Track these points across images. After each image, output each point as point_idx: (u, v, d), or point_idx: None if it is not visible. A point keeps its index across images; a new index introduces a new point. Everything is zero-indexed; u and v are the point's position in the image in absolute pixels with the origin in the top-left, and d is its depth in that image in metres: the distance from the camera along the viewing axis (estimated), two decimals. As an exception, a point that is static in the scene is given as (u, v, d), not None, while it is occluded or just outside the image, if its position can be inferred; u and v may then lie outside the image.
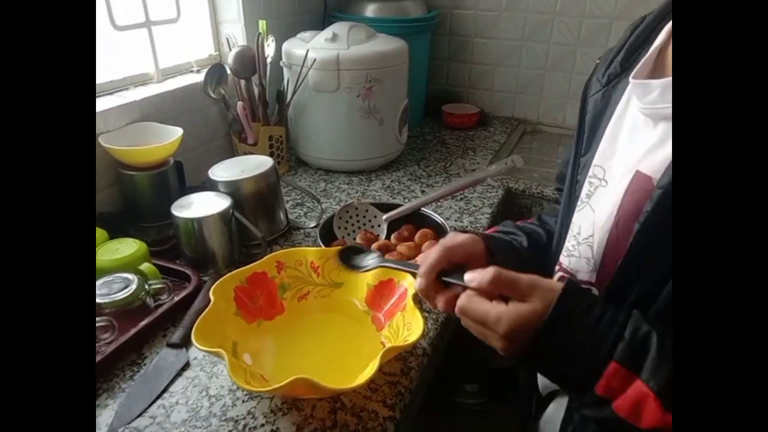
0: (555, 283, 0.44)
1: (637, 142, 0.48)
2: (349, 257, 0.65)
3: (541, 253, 0.62)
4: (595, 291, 0.51)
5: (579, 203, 0.54)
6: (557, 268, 0.57)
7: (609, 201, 0.49)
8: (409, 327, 0.60)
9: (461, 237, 0.54)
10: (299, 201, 1.05)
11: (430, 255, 0.50)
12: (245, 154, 1.11)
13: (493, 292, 0.44)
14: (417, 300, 0.72)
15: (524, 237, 0.64)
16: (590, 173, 0.53)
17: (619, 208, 0.48)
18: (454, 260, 0.51)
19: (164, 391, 0.60)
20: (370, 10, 1.32)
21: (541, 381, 0.63)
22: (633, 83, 0.48)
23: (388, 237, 0.88)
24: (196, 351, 0.65)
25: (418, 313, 0.60)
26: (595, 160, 0.53)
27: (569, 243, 0.55)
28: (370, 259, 0.63)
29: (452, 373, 1.31)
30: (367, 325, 0.68)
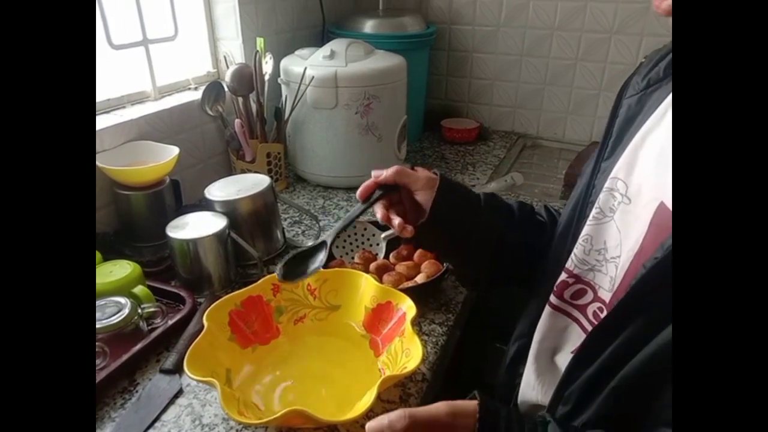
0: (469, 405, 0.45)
1: (666, 166, 0.44)
2: (295, 268, 0.58)
3: (532, 227, 0.66)
4: (603, 315, 0.49)
5: (598, 213, 0.52)
6: (569, 279, 0.54)
7: (635, 226, 0.47)
8: (407, 353, 0.58)
9: (421, 170, 0.63)
10: (297, 219, 1.04)
11: (384, 171, 0.63)
12: (243, 171, 1.10)
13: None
14: (415, 324, 0.71)
15: (516, 207, 0.67)
16: (609, 184, 0.51)
17: (644, 238, 0.46)
18: (402, 182, 0.63)
19: (156, 420, 0.58)
20: (368, 27, 1.32)
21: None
22: None
23: (386, 256, 0.87)
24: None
25: (416, 339, 0.59)
26: (616, 172, 0.50)
27: (590, 256, 0.52)
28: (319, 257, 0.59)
29: (453, 391, 1.28)
30: (365, 349, 0.66)
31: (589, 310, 0.52)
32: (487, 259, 0.64)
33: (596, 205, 0.52)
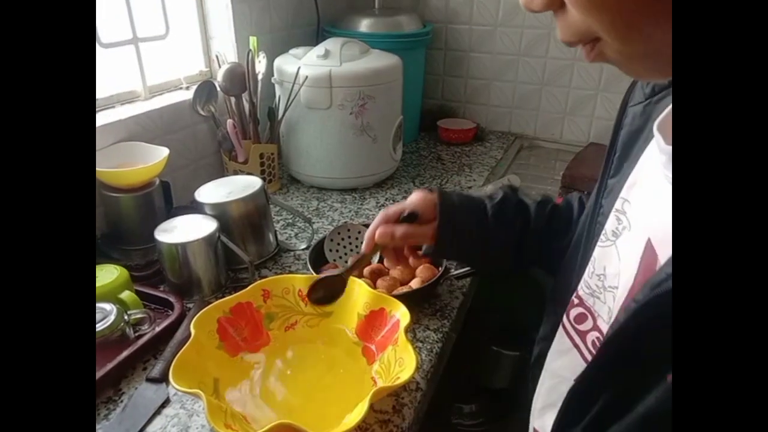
0: None
1: (657, 197, 0.40)
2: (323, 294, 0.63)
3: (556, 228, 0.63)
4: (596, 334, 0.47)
5: (603, 237, 0.47)
6: (575, 299, 0.51)
7: (632, 257, 0.42)
8: (401, 363, 0.57)
9: (416, 196, 0.63)
10: (290, 221, 1.02)
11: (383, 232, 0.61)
12: (236, 172, 1.08)
13: None
14: (410, 330, 0.69)
15: (534, 210, 0.64)
16: (618, 205, 0.46)
17: (635, 277, 0.41)
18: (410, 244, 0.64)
19: (141, 431, 0.56)
20: (364, 25, 1.30)
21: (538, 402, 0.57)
22: (655, 134, 0.39)
23: (381, 260, 0.85)
24: (177, 386, 0.61)
25: (410, 348, 0.57)
26: (626, 192, 0.45)
27: (592, 280, 0.48)
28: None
29: (449, 394, 1.27)
30: (358, 357, 0.65)
31: (588, 338, 0.49)
32: (508, 262, 0.65)
33: (604, 227, 0.48)
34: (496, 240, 0.63)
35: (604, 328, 0.46)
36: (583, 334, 0.49)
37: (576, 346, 0.50)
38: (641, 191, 0.43)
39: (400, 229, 0.61)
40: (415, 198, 0.63)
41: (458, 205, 0.62)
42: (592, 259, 0.49)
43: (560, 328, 0.52)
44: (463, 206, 0.63)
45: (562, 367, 0.52)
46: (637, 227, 0.43)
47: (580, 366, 0.49)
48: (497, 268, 0.69)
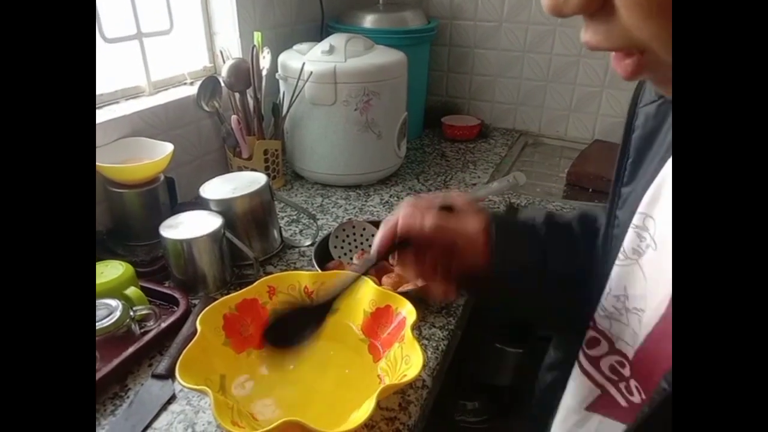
0: None
1: None
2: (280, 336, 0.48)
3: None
4: (627, 371, 0.42)
5: (621, 255, 0.43)
6: (592, 329, 0.46)
7: (663, 280, 0.38)
8: (407, 360, 0.57)
9: (459, 198, 0.48)
10: (294, 217, 1.02)
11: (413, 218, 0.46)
12: (240, 168, 1.08)
13: None
14: (415, 328, 0.69)
15: (577, 219, 0.53)
16: (637, 220, 0.41)
17: (672, 301, 0.37)
18: (447, 238, 0.45)
19: (147, 427, 0.56)
20: (368, 21, 1.29)
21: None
22: None
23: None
24: (183, 383, 0.61)
25: (417, 345, 0.57)
26: (646, 207, 0.41)
27: (608, 301, 0.44)
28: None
29: (452, 391, 1.27)
30: (364, 354, 0.64)
31: (603, 363, 0.45)
32: (562, 301, 0.50)
33: (622, 245, 0.43)
34: (556, 260, 0.49)
35: (629, 351, 0.42)
36: (595, 360, 0.46)
37: (586, 372, 0.47)
38: (667, 207, 0.39)
39: (430, 217, 0.45)
40: (450, 195, 0.50)
41: (508, 218, 0.52)
42: (609, 279, 0.44)
43: (576, 365, 0.48)
44: (513, 220, 0.52)
45: (569, 395, 0.49)
46: (667, 248, 0.38)
47: (590, 392, 0.46)
48: (550, 309, 0.51)
